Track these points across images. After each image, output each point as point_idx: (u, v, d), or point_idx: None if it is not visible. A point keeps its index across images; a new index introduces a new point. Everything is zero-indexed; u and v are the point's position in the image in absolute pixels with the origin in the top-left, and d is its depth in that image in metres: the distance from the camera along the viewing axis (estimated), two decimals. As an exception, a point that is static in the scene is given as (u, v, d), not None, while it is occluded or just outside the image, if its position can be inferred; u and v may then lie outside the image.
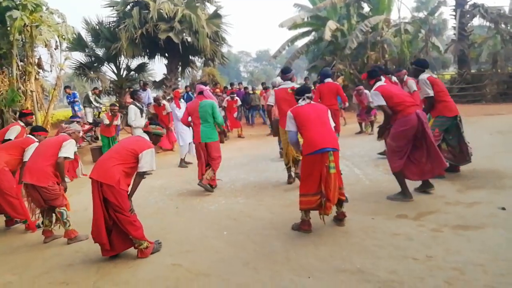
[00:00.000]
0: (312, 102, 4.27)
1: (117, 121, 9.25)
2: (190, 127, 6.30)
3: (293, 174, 6.01)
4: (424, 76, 5.39)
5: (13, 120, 7.28)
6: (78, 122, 7.99)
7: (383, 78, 5.09)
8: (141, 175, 3.83)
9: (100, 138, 9.08)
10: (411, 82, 6.63)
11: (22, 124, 5.85)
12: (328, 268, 3.25)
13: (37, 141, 4.89)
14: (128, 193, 3.77)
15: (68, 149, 4.43)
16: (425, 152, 4.66)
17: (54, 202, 4.34)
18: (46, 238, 4.47)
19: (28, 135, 5.15)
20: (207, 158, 5.98)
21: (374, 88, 4.87)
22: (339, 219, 4.17)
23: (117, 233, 3.78)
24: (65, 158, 4.41)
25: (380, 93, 4.75)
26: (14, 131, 5.66)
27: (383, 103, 4.72)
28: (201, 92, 6.20)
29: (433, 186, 4.93)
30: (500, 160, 6.10)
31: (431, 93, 5.33)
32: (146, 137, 3.99)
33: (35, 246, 4.43)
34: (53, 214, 4.46)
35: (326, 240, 3.80)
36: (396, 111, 4.70)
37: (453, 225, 3.84)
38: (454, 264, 3.09)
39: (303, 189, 4.02)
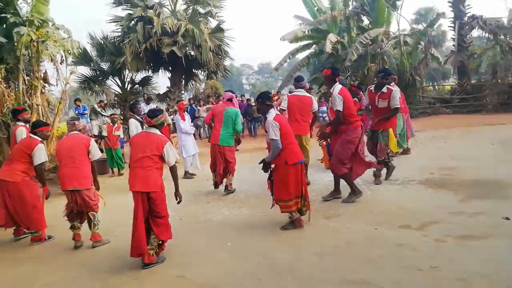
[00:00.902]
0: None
1: (119, 132, 9.28)
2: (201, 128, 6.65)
3: None
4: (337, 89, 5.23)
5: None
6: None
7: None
8: (175, 168, 4.02)
9: (104, 150, 9.12)
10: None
11: (22, 124, 5.65)
12: (333, 279, 3.25)
13: (41, 141, 4.85)
14: (175, 189, 4.04)
15: (96, 150, 4.70)
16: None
17: (93, 204, 4.52)
18: (76, 242, 4.54)
19: (30, 135, 4.94)
20: (224, 162, 6.40)
21: (338, 91, 5.08)
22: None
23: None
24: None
25: (343, 99, 5.04)
26: (21, 133, 5.46)
27: (341, 109, 5.04)
28: (230, 99, 6.64)
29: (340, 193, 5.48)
30: (502, 170, 6.11)
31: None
32: (155, 130, 4.02)
33: (39, 258, 4.44)
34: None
35: (329, 251, 3.81)
36: (348, 121, 5.11)
37: (456, 235, 3.84)
38: (459, 274, 3.09)
39: (285, 195, 4.35)
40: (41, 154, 4.73)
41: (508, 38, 16.46)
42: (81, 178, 4.46)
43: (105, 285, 3.60)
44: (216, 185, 6.61)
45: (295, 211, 4.44)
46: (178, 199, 4.07)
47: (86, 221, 4.59)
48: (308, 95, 6.36)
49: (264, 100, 4.50)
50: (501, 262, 3.24)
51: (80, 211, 4.53)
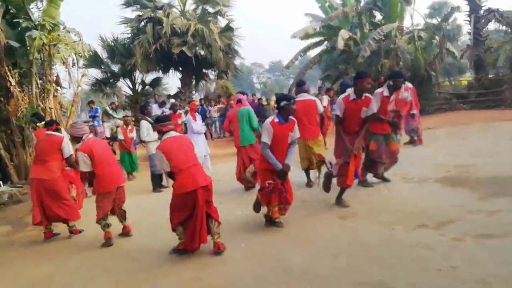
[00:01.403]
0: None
1: (132, 134, 9.29)
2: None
3: (312, 178, 6.26)
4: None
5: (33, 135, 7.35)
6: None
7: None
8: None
9: (119, 152, 9.16)
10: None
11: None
12: (347, 280, 3.18)
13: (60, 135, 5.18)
14: None
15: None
16: None
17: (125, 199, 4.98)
18: (109, 240, 4.71)
19: (47, 132, 5.18)
20: (249, 161, 6.47)
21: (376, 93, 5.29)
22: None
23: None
24: None
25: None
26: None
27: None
28: (239, 101, 6.75)
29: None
30: (522, 167, 5.90)
31: None
32: (175, 133, 4.20)
33: (56, 259, 4.49)
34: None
35: (344, 252, 3.73)
36: None
37: (475, 234, 3.72)
38: (478, 275, 2.98)
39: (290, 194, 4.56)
40: (69, 146, 5.13)
41: (526, 31, 15.98)
42: (121, 175, 5.05)
43: (120, 286, 3.61)
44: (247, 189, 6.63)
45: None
46: None
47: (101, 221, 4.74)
48: (312, 98, 6.32)
49: (290, 100, 4.37)
50: (523, 262, 3.11)
51: (117, 205, 4.85)
